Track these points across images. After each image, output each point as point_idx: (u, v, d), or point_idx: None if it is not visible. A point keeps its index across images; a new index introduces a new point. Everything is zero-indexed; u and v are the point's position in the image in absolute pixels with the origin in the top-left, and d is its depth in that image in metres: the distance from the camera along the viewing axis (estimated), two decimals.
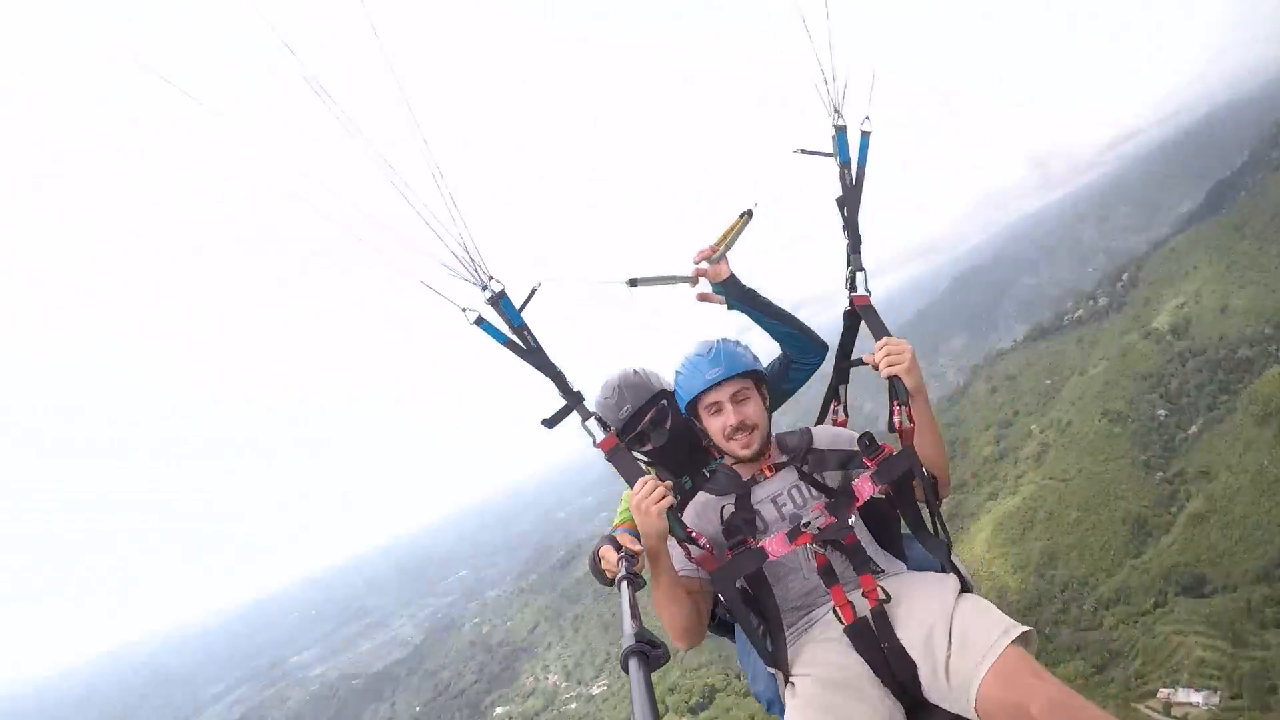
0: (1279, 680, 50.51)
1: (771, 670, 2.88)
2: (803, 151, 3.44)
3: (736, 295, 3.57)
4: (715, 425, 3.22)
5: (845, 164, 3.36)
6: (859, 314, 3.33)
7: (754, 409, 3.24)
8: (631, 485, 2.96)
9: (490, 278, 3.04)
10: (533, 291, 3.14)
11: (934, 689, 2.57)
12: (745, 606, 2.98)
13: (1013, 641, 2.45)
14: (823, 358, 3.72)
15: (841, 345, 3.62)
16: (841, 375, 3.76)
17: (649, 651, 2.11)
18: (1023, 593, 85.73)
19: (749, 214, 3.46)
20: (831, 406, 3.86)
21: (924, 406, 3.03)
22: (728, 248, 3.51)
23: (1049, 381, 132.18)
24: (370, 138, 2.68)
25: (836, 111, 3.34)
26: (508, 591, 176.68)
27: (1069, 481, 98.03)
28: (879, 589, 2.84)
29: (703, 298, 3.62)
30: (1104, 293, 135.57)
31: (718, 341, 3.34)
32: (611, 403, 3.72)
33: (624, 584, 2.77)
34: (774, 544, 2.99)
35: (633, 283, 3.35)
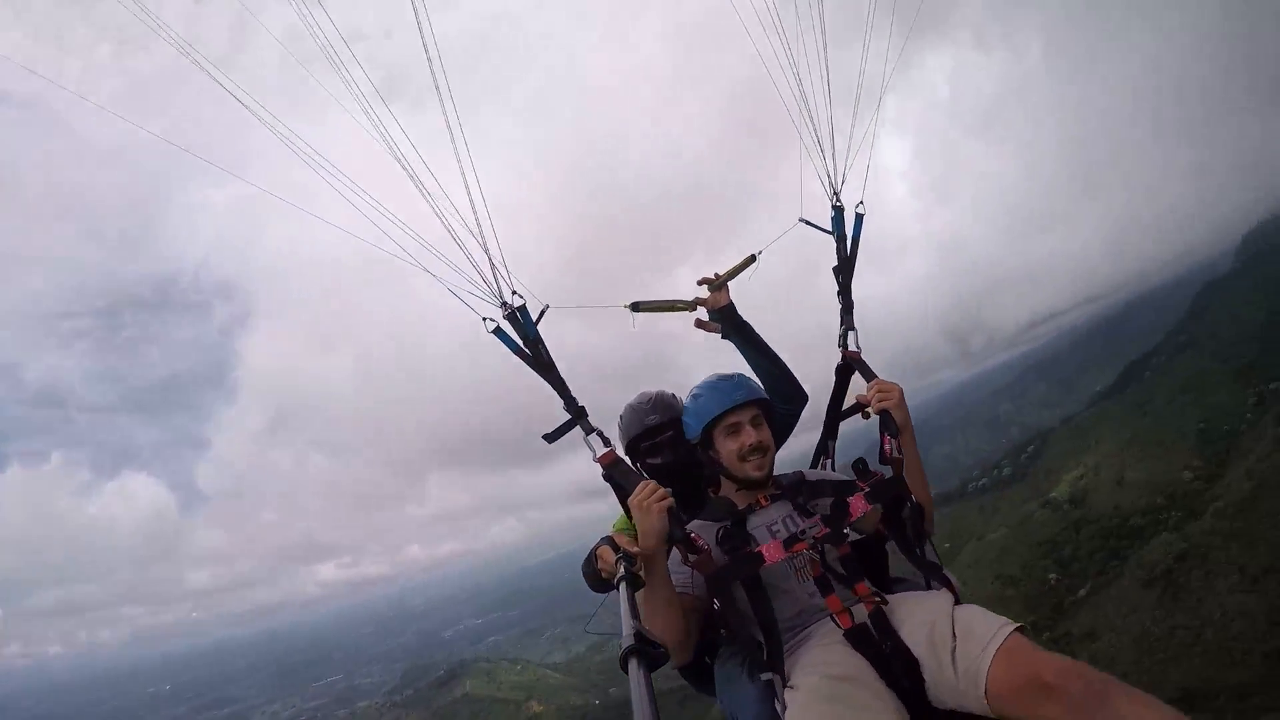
0: None
1: (766, 678, 2.78)
2: (805, 222, 3.91)
3: (733, 325, 3.86)
4: (731, 446, 3.37)
5: (841, 239, 3.87)
6: (851, 366, 3.74)
7: (767, 434, 3.44)
8: (631, 491, 3.01)
9: (513, 292, 3.32)
10: (542, 312, 3.38)
11: (940, 685, 2.61)
12: (741, 612, 3.01)
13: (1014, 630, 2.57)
14: (802, 407, 3.90)
15: (832, 400, 3.89)
16: (831, 430, 3.99)
17: (648, 651, 2.10)
18: None
19: (754, 257, 3.84)
20: (821, 461, 4.04)
21: (910, 441, 3.29)
22: (729, 278, 3.82)
23: (948, 545, 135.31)
24: (411, 161, 3.15)
25: (835, 194, 3.85)
26: (380, 704, 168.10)
27: None
28: (876, 595, 2.99)
29: (700, 325, 3.91)
30: (1009, 463, 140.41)
31: (735, 373, 3.58)
32: (645, 408, 3.86)
33: (623, 584, 2.80)
34: (771, 550, 3.04)
35: (635, 307, 3.64)
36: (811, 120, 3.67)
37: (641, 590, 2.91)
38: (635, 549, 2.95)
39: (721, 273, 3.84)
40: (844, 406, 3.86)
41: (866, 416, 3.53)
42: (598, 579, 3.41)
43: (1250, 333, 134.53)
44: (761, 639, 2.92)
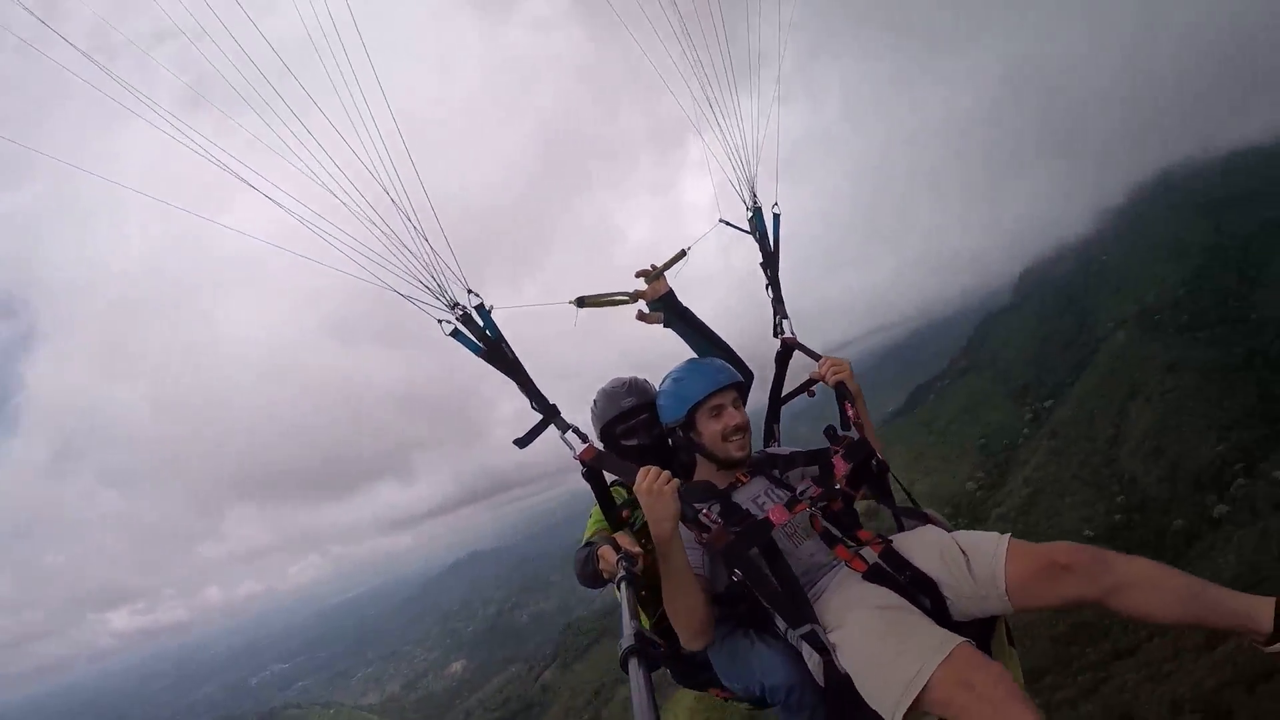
0: None
1: (804, 630, 2.93)
2: (725, 223, 4.14)
3: (675, 313, 4.04)
4: (715, 428, 3.49)
5: (764, 237, 4.13)
6: (790, 351, 4.00)
7: (746, 415, 3.61)
8: (631, 480, 3.10)
9: (469, 291, 3.30)
10: (487, 312, 3.38)
11: (961, 597, 2.93)
12: (766, 576, 3.09)
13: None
14: (750, 385, 3.98)
15: (774, 384, 4.09)
16: (775, 413, 4.17)
17: (648, 651, 2.12)
18: None
19: (684, 252, 4.01)
20: (770, 442, 4.18)
21: (863, 407, 3.58)
22: (665, 270, 4.01)
23: None
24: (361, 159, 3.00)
25: (752, 196, 4.11)
26: None
27: None
28: (880, 537, 3.22)
29: (641, 317, 4.07)
30: None
31: (711, 357, 3.80)
32: (620, 392, 3.94)
33: (623, 584, 2.82)
34: (776, 513, 3.16)
35: (580, 302, 3.69)
36: (724, 131, 3.93)
37: (630, 587, 2.88)
38: (636, 549, 3.05)
39: (658, 265, 4.01)
40: (786, 389, 4.08)
41: (812, 394, 3.88)
42: (594, 578, 3.43)
43: (1026, 358, 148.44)
44: (788, 598, 3.04)
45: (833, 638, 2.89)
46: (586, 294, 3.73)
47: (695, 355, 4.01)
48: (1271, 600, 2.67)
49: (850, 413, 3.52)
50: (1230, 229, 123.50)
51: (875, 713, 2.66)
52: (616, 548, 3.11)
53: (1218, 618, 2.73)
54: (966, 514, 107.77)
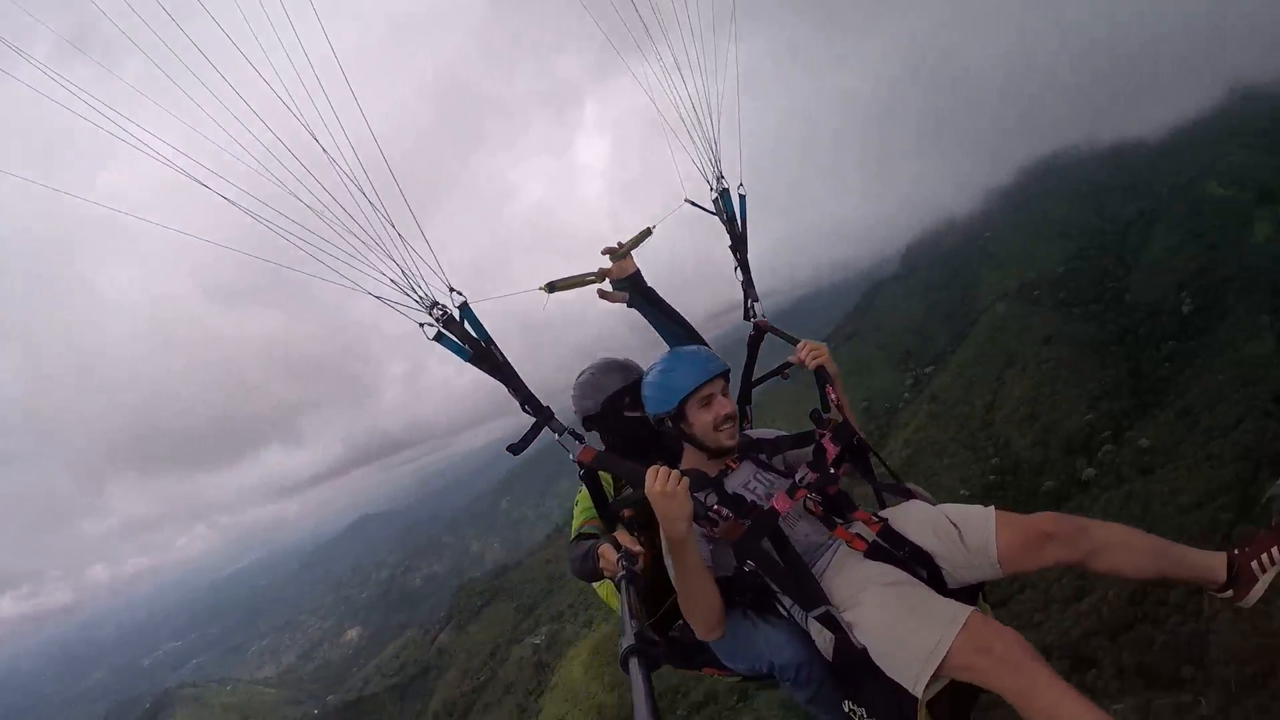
0: None
1: (819, 613, 3.05)
2: (690, 203, 4.07)
3: (640, 292, 4.00)
4: (706, 418, 3.46)
5: (730, 219, 4.07)
6: (761, 335, 4.06)
7: (734, 403, 3.62)
8: (636, 480, 3.06)
9: (450, 289, 3.18)
10: (472, 311, 3.28)
11: (956, 567, 3.17)
12: (777, 563, 3.18)
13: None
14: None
15: (746, 368, 4.08)
16: (746, 396, 4.15)
17: (649, 651, 2.13)
18: (619, 706, 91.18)
19: (649, 230, 4.02)
20: (743, 425, 4.05)
21: (841, 388, 3.69)
22: (631, 248, 3.98)
23: None
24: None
25: (719, 178, 4.04)
26: None
27: None
28: (876, 517, 3.37)
29: (604, 295, 4.01)
30: None
31: (694, 347, 3.71)
32: (615, 372, 3.95)
33: (624, 584, 2.86)
34: (780, 501, 3.27)
35: (550, 287, 3.64)
36: (696, 115, 3.85)
37: (631, 586, 2.98)
38: (637, 548, 3.12)
39: (624, 242, 3.98)
40: (758, 373, 4.11)
41: (785, 376, 3.98)
42: (592, 574, 3.46)
43: (909, 326, 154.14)
44: (798, 581, 3.15)
45: (847, 616, 3.04)
46: (556, 278, 3.71)
47: (662, 337, 4.03)
48: (1224, 554, 3.22)
49: (833, 396, 3.61)
50: (1111, 215, 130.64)
51: (880, 681, 2.89)
52: (616, 545, 3.16)
53: (1181, 571, 3.21)
54: None
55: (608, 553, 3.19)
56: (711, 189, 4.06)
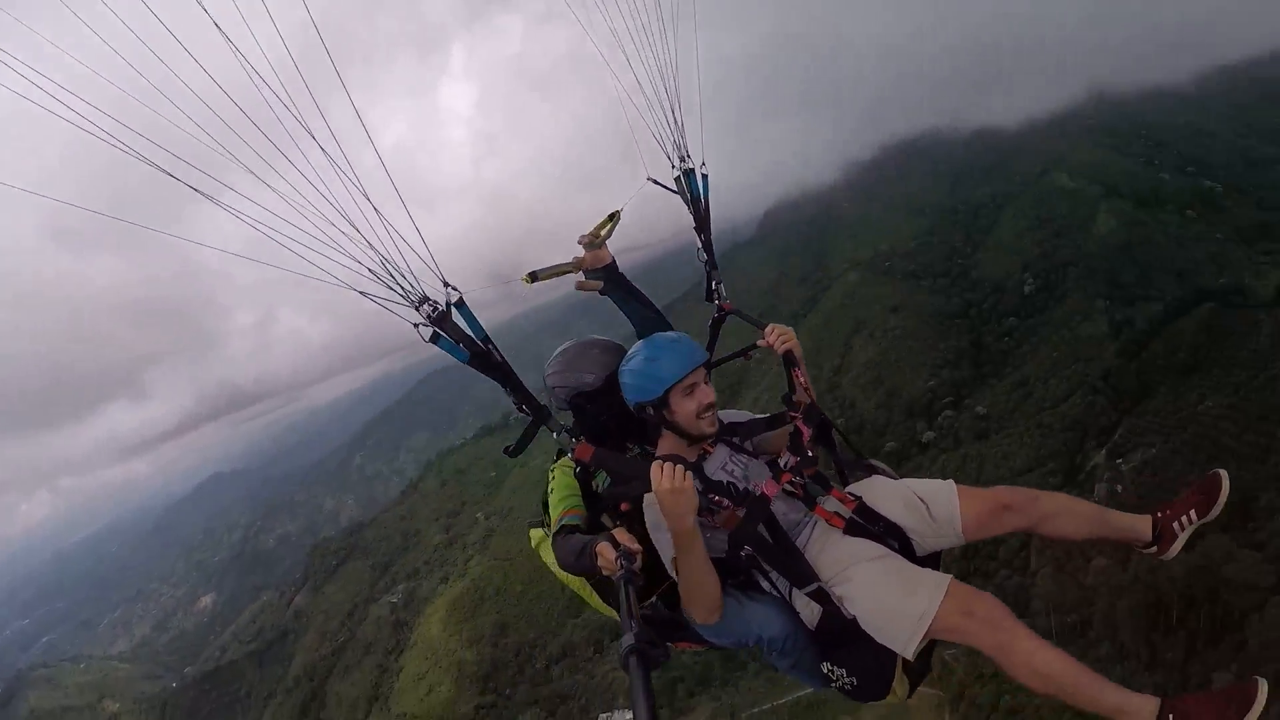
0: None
1: (811, 589, 3.28)
2: (653, 181, 3.97)
3: (615, 281, 3.95)
4: (690, 406, 3.47)
5: (695, 200, 3.99)
6: (724, 317, 4.03)
7: (714, 391, 3.65)
8: (636, 478, 3.20)
9: (445, 284, 3.09)
10: (456, 305, 3.18)
11: (925, 536, 3.45)
12: (771, 545, 3.38)
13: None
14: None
15: (709, 348, 3.90)
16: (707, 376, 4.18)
17: (649, 651, 2.16)
18: (479, 663, 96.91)
19: (617, 214, 3.92)
20: None
21: (805, 370, 3.75)
22: (607, 236, 3.90)
23: (494, 474, 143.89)
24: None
25: (682, 159, 3.95)
26: None
27: (513, 560, 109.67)
28: (852, 495, 3.54)
29: (580, 286, 3.96)
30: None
31: (673, 334, 3.68)
32: (610, 355, 3.80)
33: (623, 583, 2.82)
34: (768, 487, 3.43)
35: (533, 277, 3.64)
36: (657, 96, 3.78)
37: (630, 586, 2.88)
38: (636, 546, 3.04)
39: (601, 232, 3.93)
40: (719, 355, 4.00)
41: (749, 358, 4.04)
42: (588, 571, 3.38)
43: (763, 287, 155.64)
44: (788, 561, 3.36)
45: (838, 590, 3.26)
46: (537, 269, 3.74)
47: (632, 324, 4.01)
48: (1149, 517, 3.70)
49: (801, 379, 3.70)
50: (964, 196, 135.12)
51: (862, 645, 3.19)
52: (613, 543, 3.10)
53: (1114, 532, 3.67)
54: None
55: (606, 551, 3.09)
56: (674, 168, 3.97)
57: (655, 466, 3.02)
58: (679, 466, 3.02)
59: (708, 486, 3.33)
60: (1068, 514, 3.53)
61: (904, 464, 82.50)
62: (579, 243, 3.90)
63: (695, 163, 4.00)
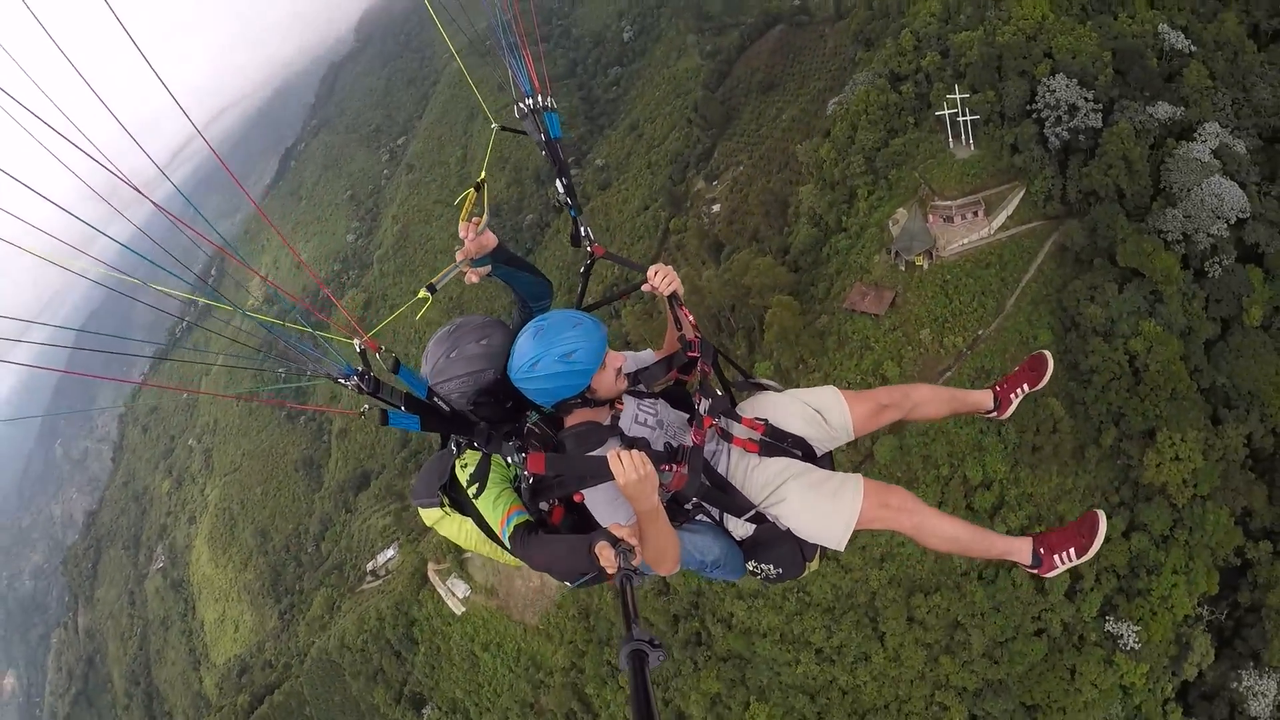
0: None
1: (750, 517, 3.76)
2: (505, 129, 3.99)
3: (505, 260, 3.87)
4: (609, 378, 3.62)
5: (549, 142, 3.88)
6: (594, 263, 4.15)
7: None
8: (597, 477, 3.33)
9: (382, 349, 2.91)
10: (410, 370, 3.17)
11: (823, 440, 4.00)
12: (710, 487, 3.75)
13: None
14: (552, 299, 4.05)
15: (579, 295, 4.23)
16: None
17: (649, 651, 2.19)
18: (261, 577, 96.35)
19: (483, 183, 3.72)
20: None
21: (686, 309, 4.01)
22: (488, 219, 3.75)
23: (184, 395, 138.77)
24: None
25: (528, 99, 3.83)
26: None
27: (239, 468, 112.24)
28: (759, 419, 3.92)
29: (471, 277, 3.88)
30: (197, 290, 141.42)
31: (566, 316, 3.61)
32: (496, 338, 3.65)
33: (623, 581, 2.85)
34: (696, 436, 3.68)
35: (432, 290, 3.58)
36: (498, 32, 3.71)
37: (630, 584, 2.96)
38: (634, 540, 3.05)
39: (478, 218, 3.72)
40: (590, 298, 4.25)
41: (626, 301, 4.30)
42: (579, 572, 3.32)
43: (374, 101, 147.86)
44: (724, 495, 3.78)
45: (773, 511, 3.72)
46: (434, 279, 3.66)
47: (519, 295, 3.91)
48: (990, 390, 4.72)
49: (690, 317, 3.92)
50: None
51: (787, 544, 3.73)
52: (613, 541, 3.06)
53: (965, 407, 4.59)
54: (355, 264, 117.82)
55: (605, 550, 3.06)
56: (526, 110, 3.82)
57: (613, 460, 3.06)
58: (636, 454, 3.07)
59: (655, 459, 3.35)
60: (931, 401, 4.32)
61: (544, 231, 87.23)
62: (461, 235, 3.70)
63: (542, 99, 3.80)
